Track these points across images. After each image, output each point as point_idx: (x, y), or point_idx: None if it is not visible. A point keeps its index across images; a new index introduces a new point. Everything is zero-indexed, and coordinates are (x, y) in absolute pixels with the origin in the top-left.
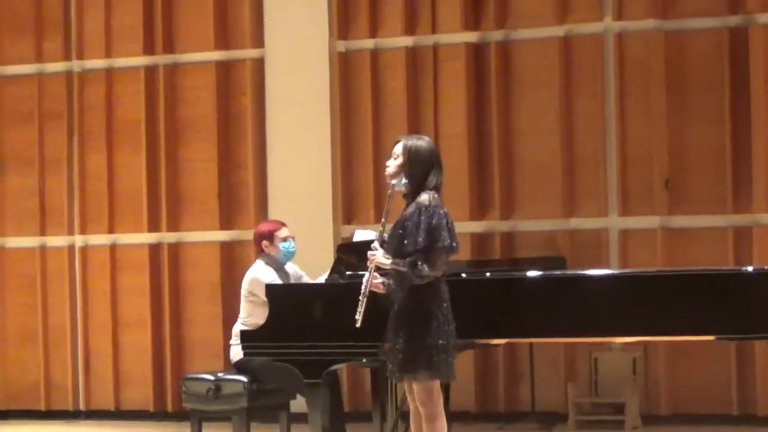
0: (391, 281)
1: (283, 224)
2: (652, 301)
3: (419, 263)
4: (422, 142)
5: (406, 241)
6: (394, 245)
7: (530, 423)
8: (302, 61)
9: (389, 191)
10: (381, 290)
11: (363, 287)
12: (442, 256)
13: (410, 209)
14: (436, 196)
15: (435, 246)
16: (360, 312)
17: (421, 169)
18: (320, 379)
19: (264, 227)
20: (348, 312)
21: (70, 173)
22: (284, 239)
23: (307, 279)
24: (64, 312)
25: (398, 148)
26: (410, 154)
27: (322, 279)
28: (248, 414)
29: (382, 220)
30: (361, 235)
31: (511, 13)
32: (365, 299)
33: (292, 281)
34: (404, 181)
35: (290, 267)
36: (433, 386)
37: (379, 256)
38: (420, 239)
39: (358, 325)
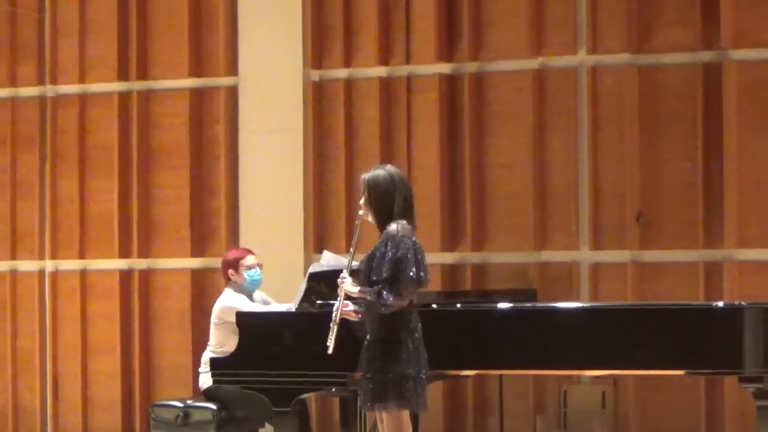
0: (362, 308)
1: (249, 252)
2: (622, 335)
3: (384, 293)
4: (379, 171)
5: (373, 271)
6: (364, 275)
7: None
8: (276, 90)
9: (357, 221)
10: (353, 317)
11: (334, 314)
12: (407, 287)
13: (380, 239)
14: (406, 225)
15: (400, 277)
16: (331, 338)
17: (382, 198)
18: (289, 407)
19: (229, 255)
20: (318, 341)
21: (41, 198)
22: (249, 267)
23: (276, 306)
24: (34, 337)
25: (361, 184)
26: (368, 186)
27: (287, 306)
28: None
29: (351, 249)
30: (327, 258)
31: (486, 45)
32: (336, 326)
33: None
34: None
35: (258, 294)
36: (403, 416)
37: (347, 284)
38: (384, 269)
39: (329, 351)
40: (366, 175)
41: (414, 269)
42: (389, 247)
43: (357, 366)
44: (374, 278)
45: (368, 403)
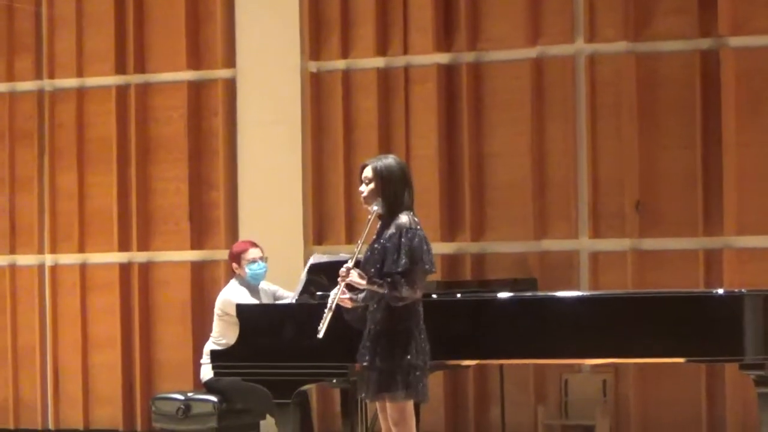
0: (361, 296)
1: (253, 245)
2: (622, 324)
3: (399, 285)
4: (390, 160)
5: (385, 263)
6: (371, 266)
7: None
8: (274, 82)
9: (369, 216)
10: (348, 304)
11: (330, 301)
12: (421, 278)
13: (390, 231)
14: (414, 217)
15: (415, 268)
16: (323, 324)
17: (395, 188)
18: (290, 399)
19: (234, 248)
20: (317, 332)
21: (40, 192)
22: (251, 261)
23: (282, 292)
24: (34, 331)
25: (368, 172)
26: (381, 175)
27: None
28: None
29: (359, 241)
30: (317, 259)
31: (483, 34)
32: (330, 313)
33: (266, 300)
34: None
35: (264, 284)
36: (407, 406)
37: (353, 276)
38: (402, 261)
39: (320, 335)
40: (377, 164)
41: (427, 261)
42: (404, 240)
43: (358, 356)
44: (389, 270)
45: (374, 393)
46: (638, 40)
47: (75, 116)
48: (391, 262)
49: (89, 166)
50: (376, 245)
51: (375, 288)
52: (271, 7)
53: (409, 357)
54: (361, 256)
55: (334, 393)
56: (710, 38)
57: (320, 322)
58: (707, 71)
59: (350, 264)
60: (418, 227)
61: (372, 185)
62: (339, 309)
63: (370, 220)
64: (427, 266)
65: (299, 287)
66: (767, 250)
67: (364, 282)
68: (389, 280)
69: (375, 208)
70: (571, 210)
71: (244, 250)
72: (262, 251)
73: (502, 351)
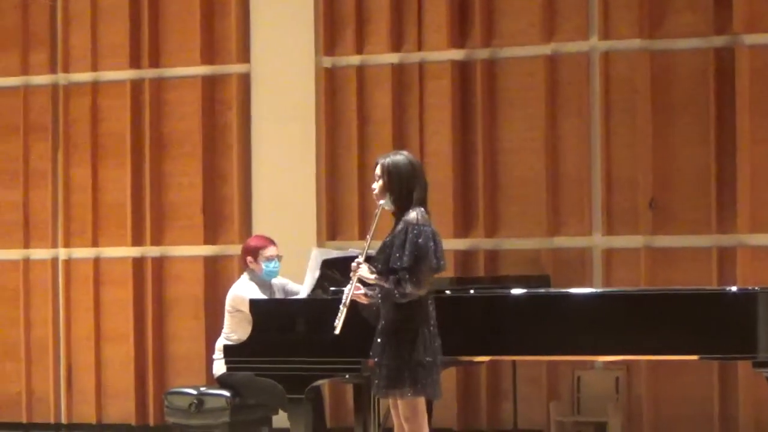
0: (374, 292)
1: (271, 242)
2: (635, 321)
3: (403, 281)
4: (399, 157)
5: (391, 259)
6: (381, 262)
7: None
8: (288, 77)
9: (377, 210)
10: (363, 300)
11: (344, 297)
12: (427, 276)
13: (399, 227)
14: (424, 213)
15: (420, 265)
16: (339, 320)
17: (403, 184)
18: (303, 394)
19: (251, 242)
20: (331, 327)
21: (54, 186)
22: (269, 258)
23: (292, 285)
24: (47, 325)
25: (378, 169)
26: (389, 172)
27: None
28: (230, 429)
29: (368, 236)
30: (317, 254)
31: (498, 31)
32: (345, 309)
33: (276, 294)
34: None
35: (277, 280)
36: (418, 403)
37: (363, 270)
38: (405, 258)
39: (336, 332)
40: (385, 160)
41: (434, 259)
42: (410, 236)
43: (371, 352)
44: (393, 266)
45: (383, 390)
46: (653, 38)
47: (89, 110)
48: (395, 258)
49: (103, 160)
50: (386, 240)
51: (381, 283)
52: (285, 2)
53: (417, 354)
54: (372, 251)
55: (347, 388)
56: (725, 35)
57: (335, 318)
58: (722, 68)
59: (361, 259)
60: (426, 224)
61: (381, 182)
62: (354, 304)
63: (376, 215)
64: (433, 263)
65: (309, 281)
66: None
67: (373, 277)
68: (394, 276)
69: (381, 203)
70: (584, 207)
71: (264, 247)
72: (278, 249)
73: (514, 347)
